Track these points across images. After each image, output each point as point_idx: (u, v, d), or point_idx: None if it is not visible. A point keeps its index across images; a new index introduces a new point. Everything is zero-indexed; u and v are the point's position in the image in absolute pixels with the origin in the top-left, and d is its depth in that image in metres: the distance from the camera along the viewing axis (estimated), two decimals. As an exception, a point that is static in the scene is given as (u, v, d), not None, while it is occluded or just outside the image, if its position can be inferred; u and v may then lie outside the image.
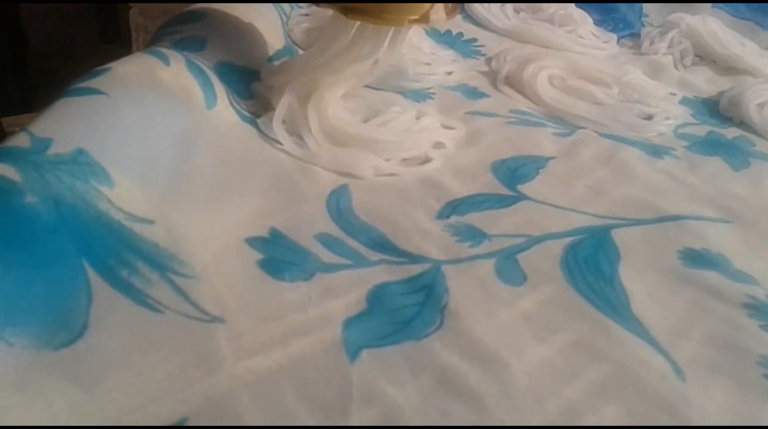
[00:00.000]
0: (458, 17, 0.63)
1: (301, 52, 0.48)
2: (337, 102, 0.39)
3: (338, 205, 0.33)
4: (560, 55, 0.52)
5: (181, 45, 0.39)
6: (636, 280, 0.31)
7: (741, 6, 0.72)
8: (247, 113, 0.38)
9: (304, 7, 0.54)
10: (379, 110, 0.40)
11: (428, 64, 0.49)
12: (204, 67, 0.37)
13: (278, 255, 0.28)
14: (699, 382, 0.26)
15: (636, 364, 0.26)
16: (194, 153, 0.32)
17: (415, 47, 0.51)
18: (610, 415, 0.24)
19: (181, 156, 0.31)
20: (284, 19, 0.50)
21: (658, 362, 0.26)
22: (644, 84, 0.49)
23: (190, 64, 0.36)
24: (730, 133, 0.48)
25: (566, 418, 0.23)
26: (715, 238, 0.35)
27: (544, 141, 0.43)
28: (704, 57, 0.62)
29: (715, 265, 0.33)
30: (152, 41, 0.41)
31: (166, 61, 0.35)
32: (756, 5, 0.72)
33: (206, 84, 0.36)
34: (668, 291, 0.31)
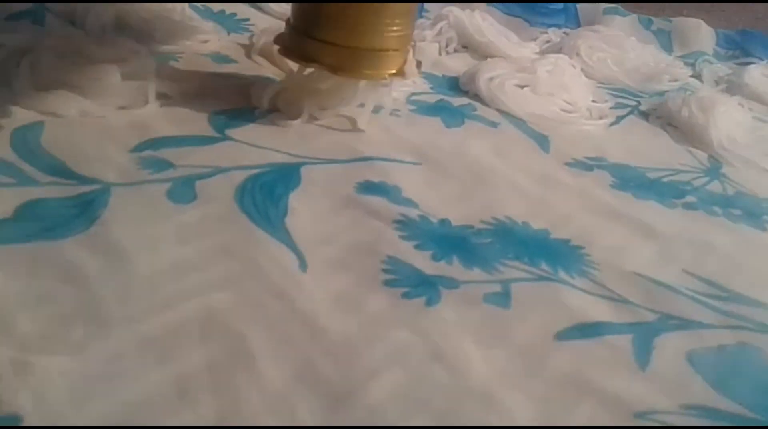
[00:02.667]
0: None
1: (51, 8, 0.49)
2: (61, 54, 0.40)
3: (24, 137, 0.34)
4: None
5: None
6: (305, 202, 0.34)
7: (513, 5, 0.80)
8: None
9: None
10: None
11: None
12: None
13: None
14: (320, 275, 0.29)
15: (265, 260, 0.29)
16: None
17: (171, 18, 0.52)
18: (218, 298, 0.26)
19: None
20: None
21: (287, 259, 0.29)
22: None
23: None
24: (459, 101, 0.53)
25: (150, 300, 0.25)
26: (396, 174, 0.39)
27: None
28: (469, 47, 0.68)
29: (385, 192, 0.36)
30: None
31: None
32: (526, 5, 0.80)
33: None
34: (332, 211, 0.34)
